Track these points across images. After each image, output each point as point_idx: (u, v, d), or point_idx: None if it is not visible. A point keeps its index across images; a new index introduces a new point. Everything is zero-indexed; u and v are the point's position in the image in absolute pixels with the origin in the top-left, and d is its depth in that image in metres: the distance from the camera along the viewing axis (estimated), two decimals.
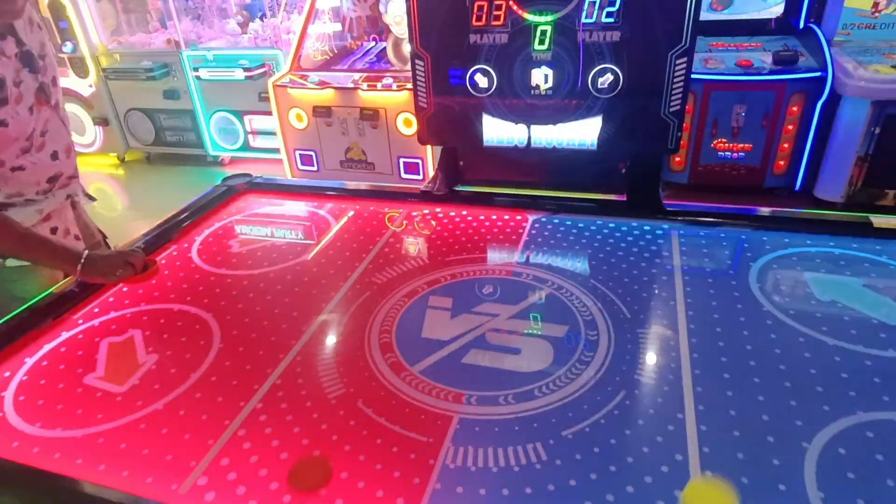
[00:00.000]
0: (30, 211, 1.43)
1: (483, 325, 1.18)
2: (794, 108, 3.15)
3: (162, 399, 1.03)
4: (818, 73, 3.04)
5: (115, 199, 4.72)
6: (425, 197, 1.77)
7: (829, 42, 3.15)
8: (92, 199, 1.68)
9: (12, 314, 1.25)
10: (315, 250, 1.53)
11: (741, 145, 3.29)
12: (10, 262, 1.44)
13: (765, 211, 1.54)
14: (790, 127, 3.21)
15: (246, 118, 4.51)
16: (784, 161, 3.32)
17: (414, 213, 1.69)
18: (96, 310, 1.31)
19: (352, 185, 1.89)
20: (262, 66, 4.28)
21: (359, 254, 1.48)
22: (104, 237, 1.73)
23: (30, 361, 1.15)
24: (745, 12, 3.48)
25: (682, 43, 1.39)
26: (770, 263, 1.34)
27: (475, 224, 1.60)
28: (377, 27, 4.25)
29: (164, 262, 1.50)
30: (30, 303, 1.30)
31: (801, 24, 3.37)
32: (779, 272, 1.31)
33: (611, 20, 1.42)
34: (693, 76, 3.25)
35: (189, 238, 1.62)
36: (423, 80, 1.66)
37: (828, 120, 3.15)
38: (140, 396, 1.04)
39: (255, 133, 4.55)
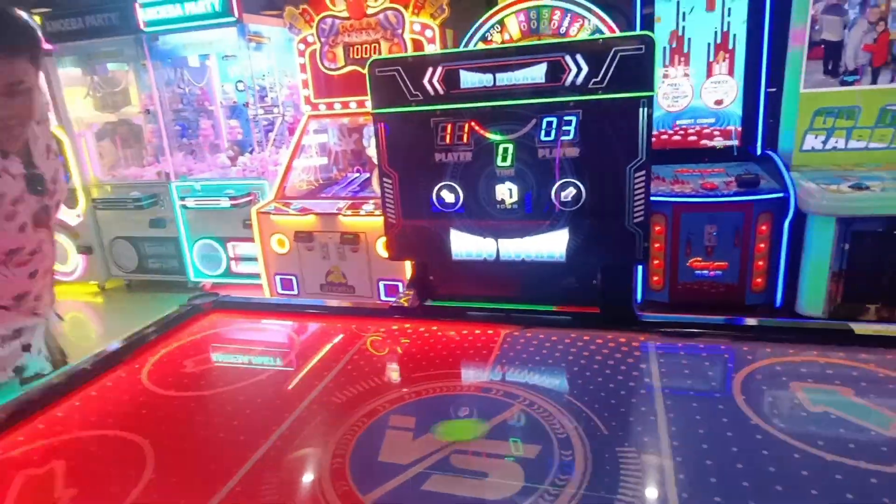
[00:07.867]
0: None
1: (447, 446, 1.06)
2: (763, 227, 3.24)
3: None
4: (781, 194, 3.17)
5: (90, 328, 4.61)
6: (395, 313, 1.72)
7: (787, 167, 3.32)
8: (60, 318, 1.70)
9: None
10: (272, 369, 1.44)
11: (717, 263, 3.33)
12: None
13: (742, 321, 1.49)
14: (762, 245, 3.27)
15: (229, 245, 4.57)
16: (761, 279, 3.35)
17: (381, 330, 1.62)
18: (20, 438, 1.18)
19: (318, 302, 1.84)
20: (248, 194, 4.42)
21: (319, 372, 1.39)
22: (63, 357, 1.69)
23: None
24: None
25: (639, 157, 1.43)
26: (753, 374, 1.26)
27: (444, 340, 1.53)
28: (361, 159, 4.47)
29: (109, 384, 1.39)
30: None
31: (759, 152, 3.59)
32: (764, 383, 1.23)
33: (568, 137, 1.47)
34: (662, 198, 3.34)
35: (142, 359, 1.52)
36: (392, 197, 1.68)
37: (798, 238, 3.23)
38: None
39: (238, 259, 4.59)
